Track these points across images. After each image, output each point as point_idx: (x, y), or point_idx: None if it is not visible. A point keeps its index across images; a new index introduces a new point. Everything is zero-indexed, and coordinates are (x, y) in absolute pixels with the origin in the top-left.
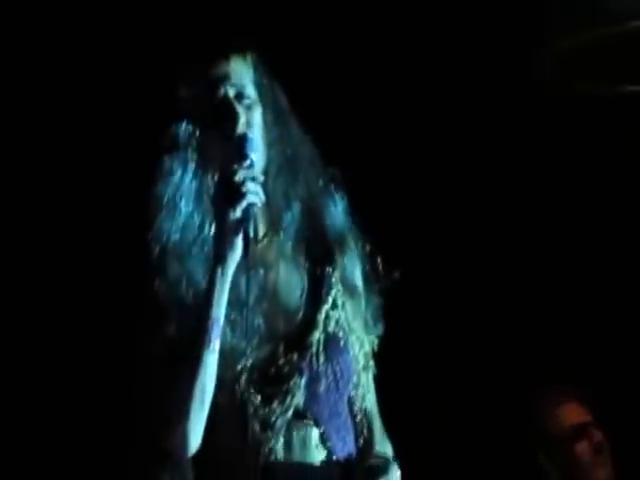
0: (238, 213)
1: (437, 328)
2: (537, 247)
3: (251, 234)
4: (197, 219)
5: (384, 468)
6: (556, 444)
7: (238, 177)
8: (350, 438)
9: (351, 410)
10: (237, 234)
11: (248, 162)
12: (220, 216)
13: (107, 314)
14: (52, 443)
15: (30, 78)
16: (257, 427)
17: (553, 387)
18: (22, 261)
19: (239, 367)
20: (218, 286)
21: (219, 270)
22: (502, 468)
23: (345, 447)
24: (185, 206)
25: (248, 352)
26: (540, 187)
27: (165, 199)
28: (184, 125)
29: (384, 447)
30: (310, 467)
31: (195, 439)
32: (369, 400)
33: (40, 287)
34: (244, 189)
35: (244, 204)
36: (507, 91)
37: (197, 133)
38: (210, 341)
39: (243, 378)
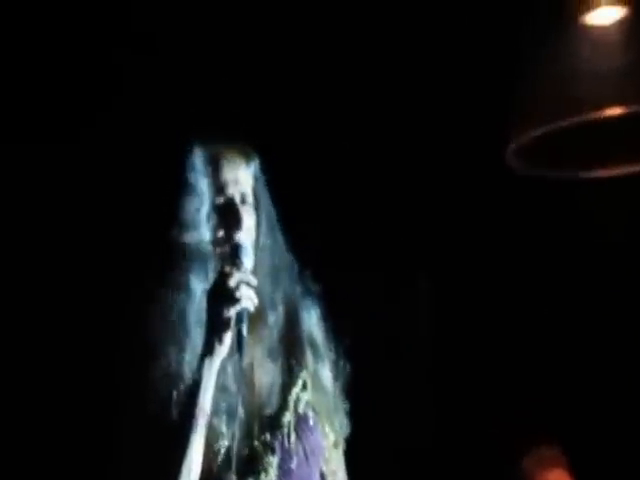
0: (231, 313)
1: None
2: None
3: (244, 334)
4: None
5: None
6: None
7: (233, 281)
8: None
9: None
10: (227, 331)
11: (244, 267)
12: (213, 312)
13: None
14: None
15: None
16: None
17: (542, 449)
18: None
19: (217, 446)
20: (205, 376)
21: (207, 362)
22: None
23: None
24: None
25: (226, 434)
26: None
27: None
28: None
29: None
30: None
31: None
32: (340, 475)
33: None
34: (238, 294)
35: (238, 308)
36: (483, 180)
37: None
38: (197, 426)
39: (220, 457)
